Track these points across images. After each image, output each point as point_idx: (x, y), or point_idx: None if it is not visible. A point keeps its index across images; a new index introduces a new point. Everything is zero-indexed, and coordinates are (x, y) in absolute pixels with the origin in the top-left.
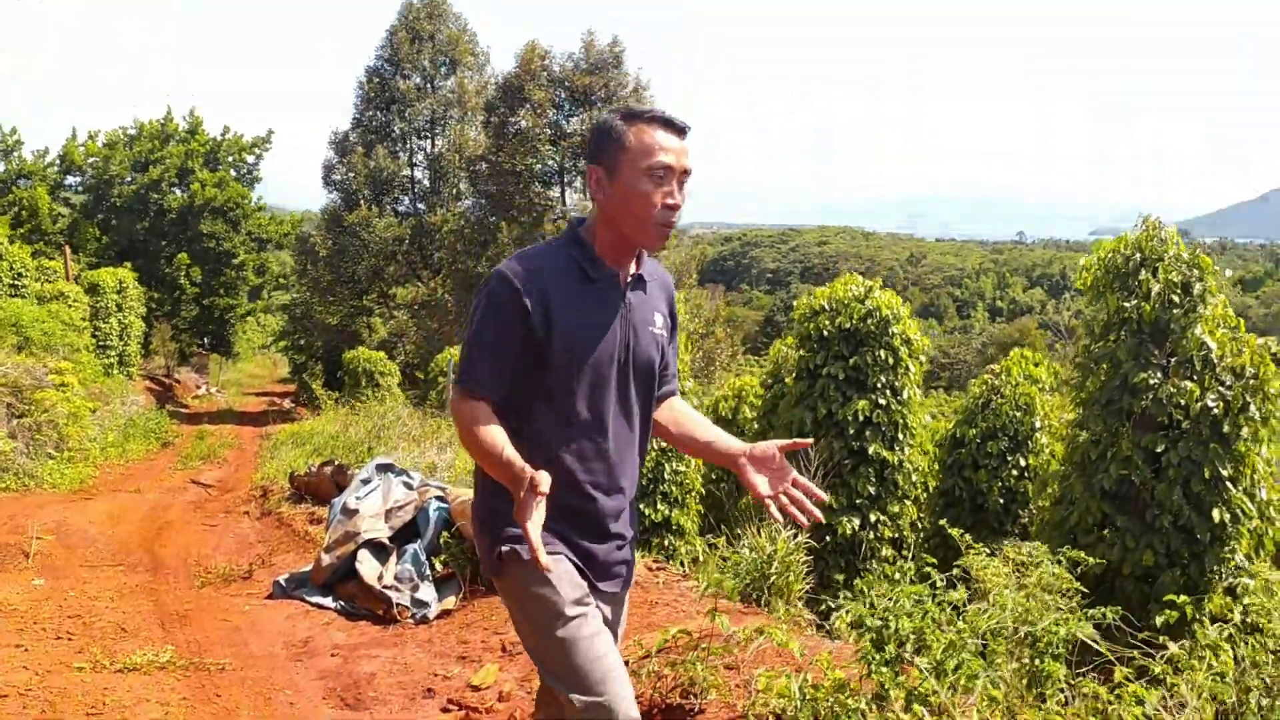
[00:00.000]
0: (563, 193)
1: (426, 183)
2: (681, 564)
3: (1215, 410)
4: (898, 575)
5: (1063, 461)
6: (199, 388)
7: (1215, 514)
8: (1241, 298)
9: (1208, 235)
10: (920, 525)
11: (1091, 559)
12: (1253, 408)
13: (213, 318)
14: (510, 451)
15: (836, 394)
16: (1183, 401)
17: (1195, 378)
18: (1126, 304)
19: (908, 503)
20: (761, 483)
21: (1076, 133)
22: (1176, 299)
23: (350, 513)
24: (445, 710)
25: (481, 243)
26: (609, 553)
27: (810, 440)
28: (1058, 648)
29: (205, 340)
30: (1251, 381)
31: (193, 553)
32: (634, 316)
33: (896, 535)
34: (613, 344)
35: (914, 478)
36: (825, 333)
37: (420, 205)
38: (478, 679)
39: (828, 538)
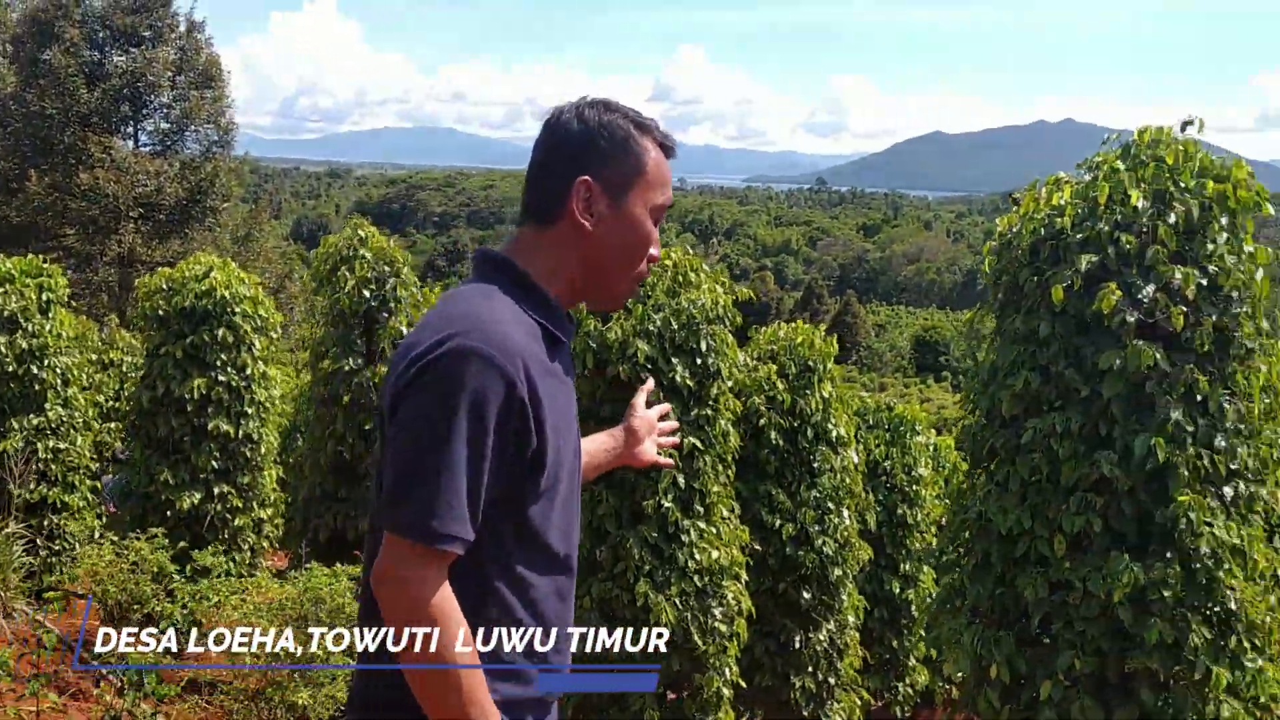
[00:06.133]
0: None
1: None
2: None
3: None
4: None
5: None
6: None
7: None
8: (862, 242)
9: (843, 185)
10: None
11: None
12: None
13: None
14: None
15: (175, 371)
16: (376, 383)
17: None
18: (327, 299)
19: (260, 474)
20: (651, 450)
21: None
22: (369, 293)
23: None
24: None
25: (11, 190)
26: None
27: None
28: None
29: None
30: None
31: None
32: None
33: (246, 505)
34: (576, 431)
35: (262, 450)
36: (162, 312)
37: None
38: None
39: (168, 513)
